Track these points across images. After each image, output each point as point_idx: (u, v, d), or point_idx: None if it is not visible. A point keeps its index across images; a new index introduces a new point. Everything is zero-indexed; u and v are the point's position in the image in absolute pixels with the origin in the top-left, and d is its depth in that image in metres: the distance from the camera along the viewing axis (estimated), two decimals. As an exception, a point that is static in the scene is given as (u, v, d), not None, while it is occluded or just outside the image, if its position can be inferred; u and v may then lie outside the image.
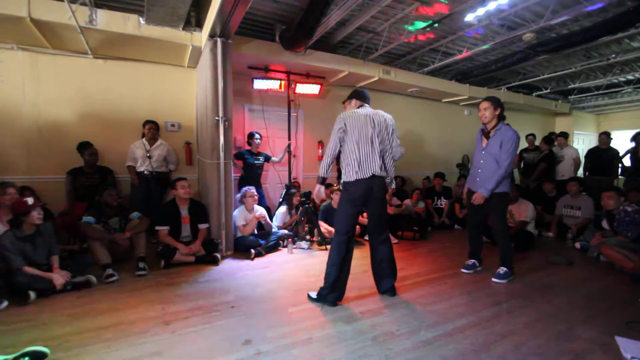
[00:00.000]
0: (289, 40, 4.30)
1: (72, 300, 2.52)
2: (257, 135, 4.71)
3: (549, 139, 6.10)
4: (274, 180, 5.61)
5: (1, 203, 2.89)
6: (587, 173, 5.89)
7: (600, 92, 7.79)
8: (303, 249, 4.05)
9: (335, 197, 4.27)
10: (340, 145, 2.52)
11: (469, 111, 7.83)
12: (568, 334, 2.09)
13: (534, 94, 8.11)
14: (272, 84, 5.02)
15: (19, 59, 3.88)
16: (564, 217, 4.69)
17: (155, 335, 2.03)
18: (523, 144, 6.62)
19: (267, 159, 4.90)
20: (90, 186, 3.86)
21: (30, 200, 2.67)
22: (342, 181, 2.59)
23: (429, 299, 2.59)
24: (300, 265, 3.46)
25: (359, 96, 2.66)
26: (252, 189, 4.06)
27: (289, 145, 5.10)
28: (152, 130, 4.25)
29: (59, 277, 2.62)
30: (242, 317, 2.27)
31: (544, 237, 4.70)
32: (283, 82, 5.13)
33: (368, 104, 2.65)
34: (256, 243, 3.79)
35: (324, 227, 4.25)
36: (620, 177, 5.71)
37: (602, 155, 5.65)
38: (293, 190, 4.67)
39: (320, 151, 6.03)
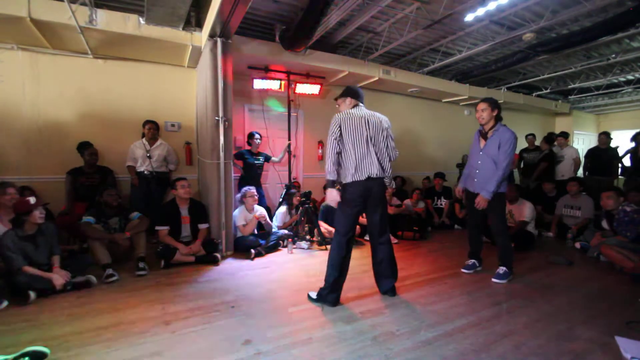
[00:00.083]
0: (289, 40, 4.30)
1: (72, 300, 2.52)
2: (257, 135, 4.71)
3: (550, 138, 6.10)
4: (274, 180, 5.61)
5: (1, 203, 2.89)
6: (587, 173, 5.89)
7: (600, 92, 7.79)
8: (303, 249, 4.05)
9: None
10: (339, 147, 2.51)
11: (468, 111, 7.83)
12: (568, 334, 2.09)
13: (534, 94, 8.11)
14: (272, 84, 5.02)
15: (19, 59, 3.88)
16: (564, 217, 4.69)
17: (155, 335, 2.03)
18: (522, 144, 6.65)
19: (267, 159, 4.90)
20: (90, 186, 3.86)
21: (32, 200, 2.68)
22: (341, 182, 2.58)
23: (429, 299, 2.59)
24: (300, 265, 3.46)
25: (354, 95, 2.61)
26: (252, 189, 4.06)
27: (289, 145, 5.10)
28: (152, 130, 4.25)
29: (58, 278, 2.62)
30: (242, 317, 2.27)
31: (544, 237, 4.70)
32: (283, 82, 5.13)
33: (362, 102, 2.62)
34: (256, 243, 3.79)
35: (324, 227, 4.25)
36: (620, 177, 5.71)
37: (602, 155, 5.65)
38: (293, 190, 4.67)
39: (320, 151, 6.03)
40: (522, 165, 6.34)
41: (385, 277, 2.65)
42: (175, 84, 4.71)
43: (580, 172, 6.17)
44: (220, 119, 3.60)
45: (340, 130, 2.47)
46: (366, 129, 2.48)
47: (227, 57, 3.62)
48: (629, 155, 5.44)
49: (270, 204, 5.29)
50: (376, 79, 5.54)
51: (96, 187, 3.69)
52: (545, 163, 5.83)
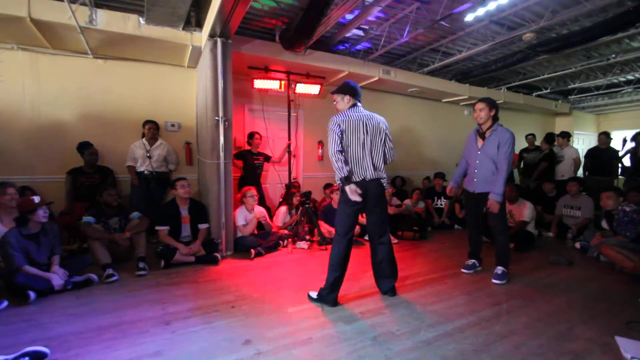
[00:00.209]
0: (289, 40, 4.30)
1: (72, 300, 2.52)
2: (257, 135, 4.71)
3: (550, 138, 6.10)
4: (274, 180, 5.61)
5: (1, 203, 2.89)
6: (586, 173, 5.89)
7: (600, 92, 7.79)
8: (303, 249, 4.05)
9: (335, 197, 4.27)
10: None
11: (468, 111, 7.83)
12: (568, 334, 2.09)
13: (534, 94, 8.11)
14: (272, 84, 5.02)
15: (19, 59, 3.88)
16: (564, 217, 4.69)
17: (155, 335, 2.03)
18: (522, 144, 6.65)
19: (267, 159, 4.90)
20: (90, 186, 3.86)
21: (36, 199, 2.69)
22: (339, 182, 2.58)
23: (429, 299, 2.59)
24: (300, 265, 3.47)
25: (353, 93, 2.56)
26: (252, 189, 4.06)
27: (289, 145, 5.10)
28: (152, 130, 4.25)
29: (57, 278, 2.62)
30: (242, 317, 2.27)
31: (544, 237, 4.70)
32: (283, 82, 5.13)
33: (360, 100, 2.61)
34: (256, 243, 3.79)
35: (324, 227, 4.25)
36: (620, 177, 5.71)
37: (602, 155, 5.65)
38: (293, 190, 4.67)
39: (320, 151, 6.03)
40: (522, 165, 6.34)
41: (385, 277, 2.65)
42: (175, 84, 4.71)
43: (580, 172, 6.17)
44: (220, 119, 3.60)
45: (341, 130, 2.46)
46: (363, 133, 2.48)
47: (227, 57, 3.62)
48: (629, 155, 5.44)
49: (270, 204, 5.29)
50: (376, 79, 5.54)
51: (96, 187, 3.69)
52: (546, 163, 5.83)
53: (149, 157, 4.21)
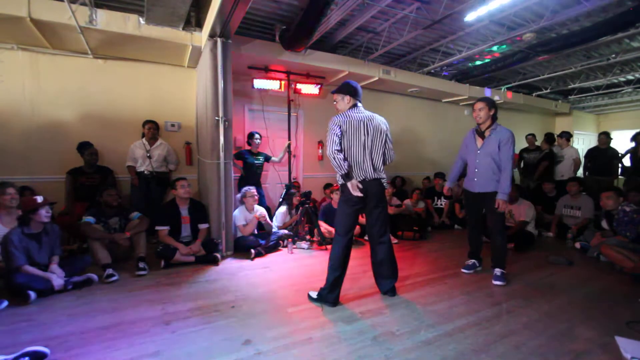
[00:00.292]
0: (289, 40, 4.30)
1: (72, 300, 2.52)
2: (257, 135, 4.71)
3: (550, 138, 6.09)
4: (274, 180, 5.61)
5: (1, 203, 2.89)
6: (587, 173, 5.88)
7: (600, 92, 7.80)
8: (303, 249, 4.05)
9: (335, 197, 4.27)
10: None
11: (468, 111, 7.83)
12: (568, 334, 2.09)
13: (534, 94, 8.12)
14: (272, 84, 5.02)
15: (19, 59, 3.88)
16: (564, 217, 4.69)
17: (155, 335, 2.03)
18: (522, 144, 6.65)
19: (267, 159, 4.90)
20: (90, 186, 3.86)
21: (39, 199, 2.70)
22: (339, 182, 2.58)
23: (429, 299, 2.59)
24: (300, 265, 3.46)
25: (353, 93, 2.55)
26: (252, 189, 4.06)
27: (289, 145, 5.10)
28: (152, 130, 4.25)
29: (57, 278, 2.62)
30: (242, 317, 2.27)
31: (544, 237, 4.70)
32: (283, 82, 5.13)
33: (360, 100, 2.60)
34: (256, 243, 3.79)
35: (324, 227, 4.25)
36: (620, 177, 5.71)
37: (602, 155, 5.65)
38: (293, 190, 4.67)
39: (320, 151, 6.03)
40: (522, 165, 6.34)
41: (386, 277, 2.65)
42: (175, 84, 4.71)
43: (580, 172, 6.17)
44: (220, 119, 3.60)
45: (341, 131, 2.46)
46: (364, 134, 2.48)
47: (227, 57, 3.62)
48: (629, 155, 5.44)
49: (270, 204, 5.29)
50: (376, 79, 5.54)
51: (96, 187, 3.69)
52: (546, 162, 5.83)
53: (149, 157, 4.21)
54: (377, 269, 2.68)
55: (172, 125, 4.73)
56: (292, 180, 5.34)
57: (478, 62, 6.12)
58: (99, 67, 4.26)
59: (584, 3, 3.71)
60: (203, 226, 3.62)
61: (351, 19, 4.28)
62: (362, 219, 3.98)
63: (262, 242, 3.86)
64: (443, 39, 4.96)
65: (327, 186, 5.35)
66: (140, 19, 3.59)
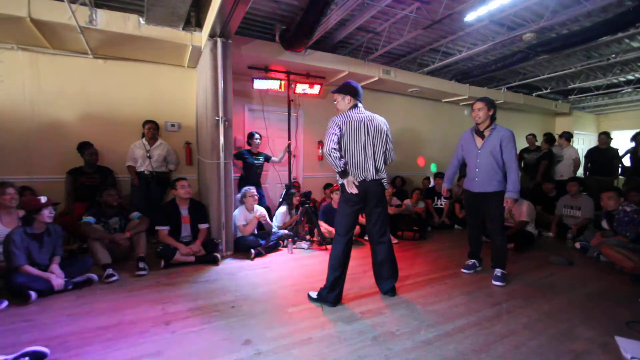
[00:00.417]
0: (289, 40, 4.30)
1: (72, 300, 2.52)
2: (257, 135, 4.71)
3: (550, 138, 6.09)
4: (274, 180, 5.61)
5: (0, 203, 2.89)
6: (587, 173, 5.88)
7: (600, 92, 7.79)
8: (303, 249, 4.05)
9: (335, 197, 4.27)
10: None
11: (468, 111, 7.83)
12: (568, 334, 2.09)
13: (534, 94, 8.11)
14: (272, 84, 5.02)
15: (19, 59, 3.88)
16: (564, 217, 4.69)
17: (155, 335, 2.03)
18: (522, 144, 6.65)
19: (267, 159, 4.90)
20: (90, 186, 3.86)
21: (43, 199, 2.70)
22: (339, 182, 2.58)
23: (429, 299, 2.59)
24: (300, 265, 3.46)
25: (354, 93, 2.55)
26: (252, 189, 4.06)
27: (289, 145, 5.10)
28: (152, 130, 4.25)
29: (57, 278, 2.62)
30: (242, 317, 2.27)
31: (544, 237, 4.70)
32: (283, 82, 5.13)
33: (360, 100, 2.60)
34: (256, 243, 3.79)
35: (324, 227, 4.25)
36: (620, 177, 5.71)
37: (602, 155, 5.65)
38: (293, 190, 4.67)
39: (320, 151, 6.03)
40: (522, 165, 6.34)
41: (386, 278, 2.65)
42: (175, 84, 4.71)
43: (580, 172, 6.17)
44: (220, 119, 3.60)
45: (340, 131, 2.46)
46: (365, 134, 2.48)
47: (227, 57, 3.62)
48: (629, 155, 5.44)
49: (270, 204, 5.29)
50: (376, 79, 5.54)
51: (96, 187, 3.69)
52: (545, 162, 5.82)
53: (149, 157, 4.21)
54: (377, 269, 2.68)
55: (172, 125, 4.73)
56: (292, 180, 5.34)
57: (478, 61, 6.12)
58: (99, 67, 4.26)
59: (584, 3, 3.71)
60: (203, 226, 3.62)
61: (351, 19, 4.28)
62: (362, 219, 3.98)
63: (262, 242, 3.86)
64: (443, 39, 4.96)
65: (327, 186, 5.35)
66: (140, 19, 3.59)
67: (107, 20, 3.48)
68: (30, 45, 3.87)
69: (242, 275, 3.13)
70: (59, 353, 1.83)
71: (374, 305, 2.48)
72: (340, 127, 2.46)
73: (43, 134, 4.02)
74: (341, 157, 2.43)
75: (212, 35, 3.51)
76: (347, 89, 2.56)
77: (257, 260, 3.61)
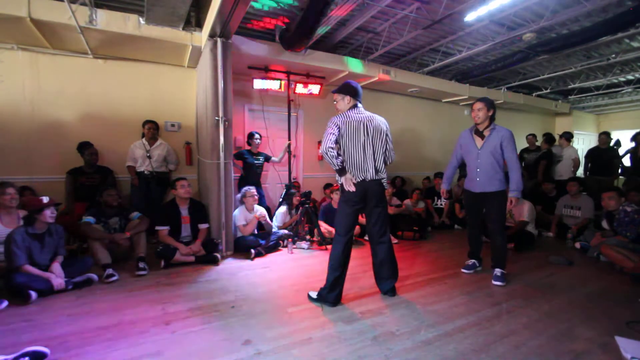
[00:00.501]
0: (289, 40, 4.30)
1: (72, 300, 2.52)
2: (257, 135, 4.71)
3: (550, 138, 6.09)
4: (274, 180, 5.61)
5: (0, 203, 2.89)
6: (587, 173, 5.88)
7: (600, 92, 7.79)
8: (303, 249, 4.05)
9: (335, 197, 4.27)
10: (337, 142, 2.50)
11: (468, 111, 7.82)
12: (568, 334, 2.09)
13: (534, 94, 8.11)
14: (272, 84, 5.02)
15: (19, 59, 3.88)
16: (564, 217, 4.69)
17: (155, 335, 2.03)
18: (522, 144, 6.65)
19: (267, 159, 4.90)
20: (90, 186, 3.86)
21: (45, 199, 2.70)
22: (339, 182, 2.58)
23: (429, 299, 2.59)
24: (300, 265, 3.46)
25: (354, 94, 2.55)
26: (252, 189, 4.06)
27: (289, 145, 5.10)
28: (152, 130, 4.25)
29: (56, 278, 2.62)
30: (242, 317, 2.27)
31: (544, 237, 4.70)
32: (283, 82, 5.13)
33: (360, 100, 2.61)
34: (256, 243, 3.79)
35: (324, 227, 4.25)
36: (620, 177, 5.71)
37: (602, 155, 5.65)
38: (293, 190, 4.67)
39: (320, 151, 6.02)
40: (522, 165, 6.34)
41: (386, 278, 2.65)
42: (175, 84, 4.71)
43: (580, 172, 6.17)
44: (220, 119, 3.60)
45: (340, 131, 2.46)
46: (364, 134, 2.48)
47: (227, 57, 3.62)
48: (629, 155, 5.44)
49: (270, 204, 5.29)
50: (376, 79, 5.54)
51: (96, 187, 3.69)
52: (544, 162, 5.82)
53: (149, 157, 4.21)
54: (378, 269, 2.68)
55: (172, 125, 4.73)
56: (292, 180, 5.34)
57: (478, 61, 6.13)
58: (99, 67, 4.26)
59: (584, 3, 3.71)
60: (203, 226, 3.62)
61: (351, 19, 4.28)
62: (362, 219, 3.98)
63: (262, 242, 3.86)
64: (443, 39, 4.96)
65: (327, 186, 5.35)
66: (140, 19, 3.59)
67: (107, 20, 3.48)
68: (30, 45, 3.87)
69: (242, 275, 3.13)
70: (59, 353, 1.83)
71: (374, 305, 2.48)
72: (339, 127, 2.46)
73: (43, 134, 4.02)
74: (338, 155, 2.44)
75: (212, 35, 3.51)
76: (347, 89, 2.56)
77: (257, 260, 3.61)
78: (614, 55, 5.60)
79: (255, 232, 4.05)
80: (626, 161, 5.54)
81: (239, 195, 4.09)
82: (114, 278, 2.91)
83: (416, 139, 7.23)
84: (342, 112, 2.56)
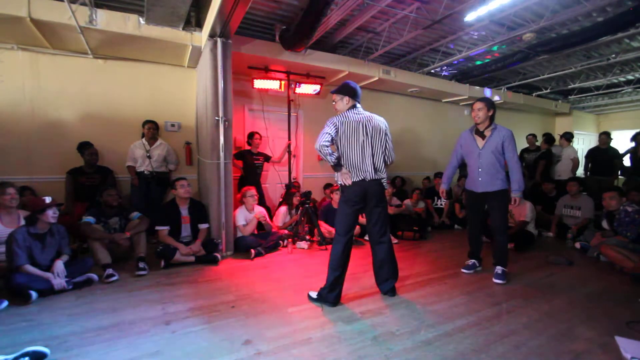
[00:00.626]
0: (289, 40, 4.30)
1: (72, 300, 2.52)
2: (257, 135, 4.71)
3: (550, 138, 6.09)
4: (274, 180, 5.61)
5: (0, 203, 2.89)
6: (587, 173, 5.88)
7: (600, 92, 7.79)
8: (303, 249, 4.05)
9: (335, 197, 4.27)
10: (332, 142, 2.50)
11: (468, 111, 7.82)
12: (568, 334, 2.09)
13: (534, 94, 8.11)
14: (272, 84, 5.02)
15: (19, 59, 3.88)
16: (564, 217, 4.69)
17: (155, 335, 2.03)
18: (522, 144, 6.65)
19: (267, 159, 4.90)
20: (90, 186, 3.86)
21: (48, 199, 2.71)
22: (338, 182, 2.59)
23: (429, 299, 2.59)
24: (300, 265, 3.46)
25: (352, 94, 2.56)
26: (252, 189, 4.06)
27: (289, 145, 5.10)
28: (152, 130, 4.25)
29: (54, 278, 2.61)
30: (242, 317, 2.27)
31: (544, 237, 4.70)
32: (283, 82, 5.13)
33: (359, 101, 2.61)
34: (256, 243, 3.79)
35: (324, 227, 4.25)
36: (620, 177, 5.71)
37: (603, 155, 5.65)
38: (293, 190, 4.67)
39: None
40: (523, 165, 6.34)
41: (386, 278, 2.65)
42: (175, 84, 4.71)
43: (580, 172, 6.16)
44: (220, 119, 3.60)
45: (337, 131, 2.47)
46: (363, 134, 2.48)
47: (227, 57, 3.62)
48: (629, 155, 5.44)
49: (270, 204, 5.29)
50: (376, 79, 5.54)
51: (96, 187, 3.69)
52: (543, 162, 5.82)
53: (149, 157, 4.21)
54: (378, 269, 2.68)
55: (172, 125, 4.73)
56: (292, 180, 5.34)
57: (478, 62, 6.13)
58: (99, 67, 4.26)
59: (584, 3, 3.71)
60: (203, 226, 3.62)
61: (351, 19, 4.28)
62: (362, 219, 3.98)
63: (262, 242, 3.86)
64: (443, 39, 4.96)
65: (327, 186, 5.35)
66: (140, 19, 3.59)
67: (107, 20, 3.47)
68: (30, 45, 3.87)
69: (242, 275, 3.13)
70: (59, 353, 1.83)
71: (374, 305, 2.48)
72: (337, 127, 2.47)
73: (43, 134, 4.02)
74: (332, 152, 2.45)
75: (212, 35, 3.51)
76: (346, 89, 2.57)
77: (257, 260, 3.61)
78: (614, 55, 5.61)
79: (255, 232, 4.05)
80: (626, 161, 5.53)
81: (239, 195, 4.08)
82: (114, 278, 2.91)
83: (416, 139, 7.23)
84: (341, 112, 2.56)
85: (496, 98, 7.07)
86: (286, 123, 5.28)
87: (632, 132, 5.44)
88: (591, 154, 5.86)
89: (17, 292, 2.45)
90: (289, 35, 4.25)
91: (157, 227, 3.43)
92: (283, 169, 5.37)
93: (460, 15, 4.07)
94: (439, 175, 5.84)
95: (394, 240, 4.10)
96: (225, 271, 3.25)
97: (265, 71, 4.98)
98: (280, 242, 4.08)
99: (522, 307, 2.47)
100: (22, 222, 2.84)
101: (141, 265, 3.12)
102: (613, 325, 2.18)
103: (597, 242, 3.64)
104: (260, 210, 4.10)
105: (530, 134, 6.41)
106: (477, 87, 7.01)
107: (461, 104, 7.71)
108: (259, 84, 4.92)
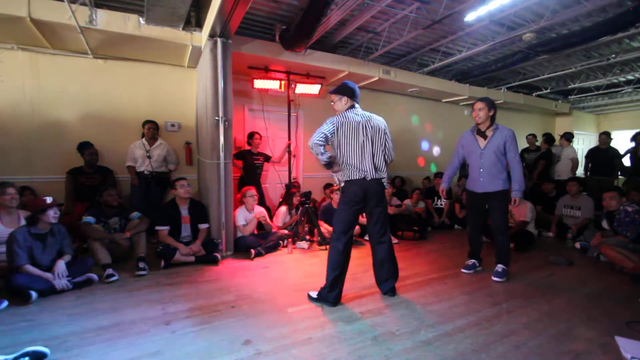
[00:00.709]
0: (289, 40, 4.30)
1: (72, 300, 2.52)
2: (257, 135, 4.71)
3: (550, 138, 6.09)
4: (274, 180, 5.61)
5: (1, 203, 2.89)
6: (587, 173, 5.88)
7: (600, 92, 7.79)
8: (303, 249, 4.05)
9: (335, 197, 4.27)
10: (329, 143, 2.51)
11: (468, 111, 7.83)
12: (568, 334, 2.09)
13: (534, 94, 8.11)
14: (272, 84, 5.02)
15: (19, 59, 3.88)
16: (564, 217, 4.69)
17: (155, 335, 2.03)
18: (522, 144, 6.65)
19: (267, 159, 4.90)
20: (90, 186, 3.86)
21: (49, 199, 2.71)
22: (337, 183, 2.59)
23: (429, 299, 2.59)
24: (300, 265, 3.47)
25: (351, 94, 2.57)
26: (252, 189, 4.06)
27: (289, 145, 5.10)
28: (152, 130, 4.25)
29: (54, 278, 2.61)
30: (242, 317, 2.27)
31: (544, 237, 4.70)
32: (283, 82, 5.13)
33: (357, 101, 2.61)
34: (256, 243, 3.79)
35: (324, 227, 4.25)
36: (620, 177, 5.71)
37: (603, 155, 5.65)
38: (293, 190, 4.67)
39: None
40: (523, 165, 6.34)
41: (386, 278, 2.65)
42: (175, 84, 4.71)
43: (580, 172, 6.16)
44: (220, 119, 3.60)
45: (336, 131, 2.47)
46: (363, 134, 2.48)
47: (227, 57, 3.62)
48: (629, 155, 5.44)
49: (270, 204, 5.29)
50: (376, 79, 5.54)
51: (96, 187, 3.69)
52: (543, 162, 5.82)
53: (149, 157, 4.21)
54: (378, 269, 2.68)
55: (172, 125, 4.73)
56: (292, 180, 5.34)
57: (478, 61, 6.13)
58: (99, 67, 4.26)
59: (584, 3, 3.71)
60: (203, 226, 3.62)
61: (351, 19, 4.28)
62: (362, 219, 3.98)
63: (263, 242, 3.86)
64: (443, 39, 4.96)
65: (327, 186, 5.35)
66: (140, 19, 3.59)
67: (107, 20, 3.47)
68: (30, 45, 3.87)
69: (242, 275, 3.13)
70: (59, 353, 1.83)
71: (374, 305, 2.48)
72: (336, 127, 2.47)
73: (43, 134, 4.02)
74: (324, 152, 2.49)
75: (212, 35, 3.51)
76: (344, 89, 2.57)
77: (257, 260, 3.61)
78: (614, 55, 5.60)
79: (255, 232, 4.05)
80: (626, 161, 5.54)
81: (239, 195, 4.08)
82: (114, 278, 2.91)
83: (416, 139, 7.23)
84: (340, 112, 2.56)
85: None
86: (286, 123, 5.28)
87: (632, 132, 5.44)
88: (591, 154, 5.86)
89: (17, 292, 2.45)
90: (289, 35, 4.25)
91: (157, 227, 3.43)
92: (283, 169, 5.37)
93: (460, 15, 4.07)
94: (439, 175, 5.84)
95: (394, 240, 4.10)
96: (225, 271, 3.25)
97: (265, 71, 4.98)
98: (280, 242, 4.08)
99: (522, 307, 2.46)
100: (22, 222, 2.84)
101: (141, 265, 3.12)
102: (613, 325, 2.18)
103: (597, 242, 3.64)
104: (260, 210, 4.10)
105: (530, 134, 6.41)
106: (477, 87, 7.01)
107: (461, 104, 7.71)
108: (259, 84, 4.91)
